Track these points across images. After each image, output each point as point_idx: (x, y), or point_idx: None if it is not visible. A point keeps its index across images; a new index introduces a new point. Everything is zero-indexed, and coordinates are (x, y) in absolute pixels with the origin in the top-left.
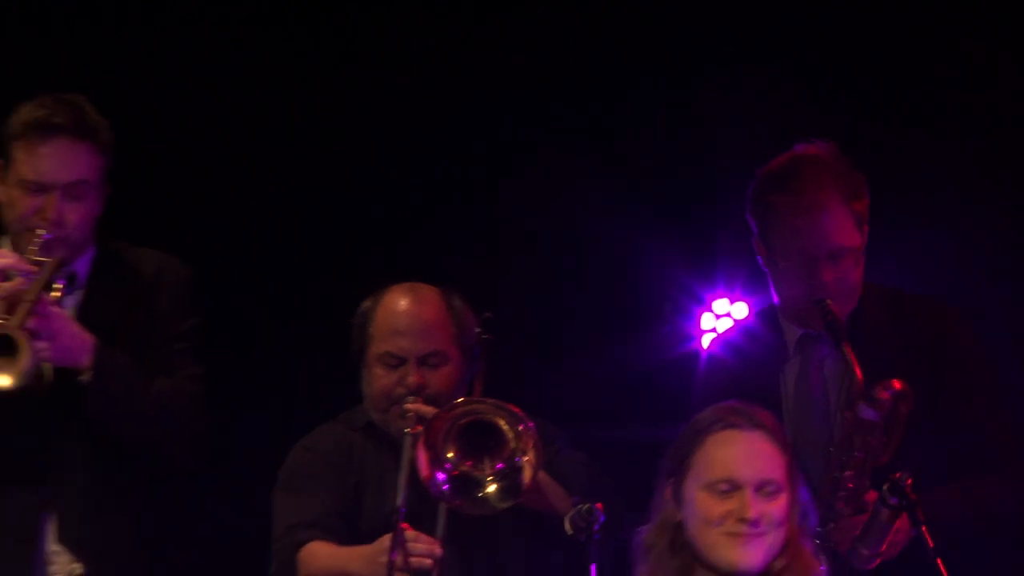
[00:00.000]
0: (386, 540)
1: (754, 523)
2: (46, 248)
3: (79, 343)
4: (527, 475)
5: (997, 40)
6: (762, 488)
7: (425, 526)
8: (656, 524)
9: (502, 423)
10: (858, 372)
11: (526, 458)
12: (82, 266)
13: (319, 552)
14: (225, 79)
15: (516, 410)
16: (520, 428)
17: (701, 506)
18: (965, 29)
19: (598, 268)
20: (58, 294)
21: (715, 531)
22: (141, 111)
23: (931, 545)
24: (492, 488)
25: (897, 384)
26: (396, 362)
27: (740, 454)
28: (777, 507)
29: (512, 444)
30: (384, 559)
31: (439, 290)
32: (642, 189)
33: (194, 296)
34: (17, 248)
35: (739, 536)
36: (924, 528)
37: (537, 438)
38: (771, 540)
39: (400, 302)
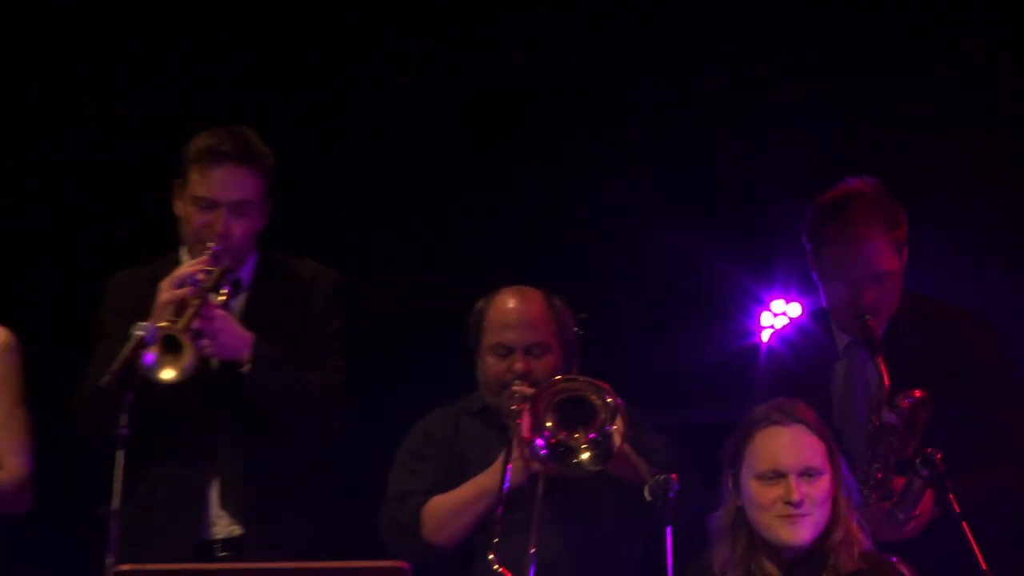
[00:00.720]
0: (500, 459)
1: (798, 505)
2: (214, 258)
3: (239, 340)
4: (616, 442)
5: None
6: (804, 474)
7: (528, 494)
8: (724, 510)
9: (593, 398)
10: (886, 381)
11: (614, 427)
12: (246, 272)
13: (440, 501)
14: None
15: (605, 386)
16: (608, 402)
17: (754, 493)
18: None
19: (671, 273)
20: (224, 297)
21: (767, 514)
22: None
23: (957, 511)
24: (585, 455)
25: (917, 393)
26: (505, 352)
27: (783, 447)
28: (819, 488)
29: (602, 416)
30: (500, 465)
31: (542, 292)
32: (711, 203)
33: (341, 300)
34: (192, 256)
35: (787, 517)
36: (951, 496)
37: (624, 410)
38: (816, 518)
39: (509, 302)
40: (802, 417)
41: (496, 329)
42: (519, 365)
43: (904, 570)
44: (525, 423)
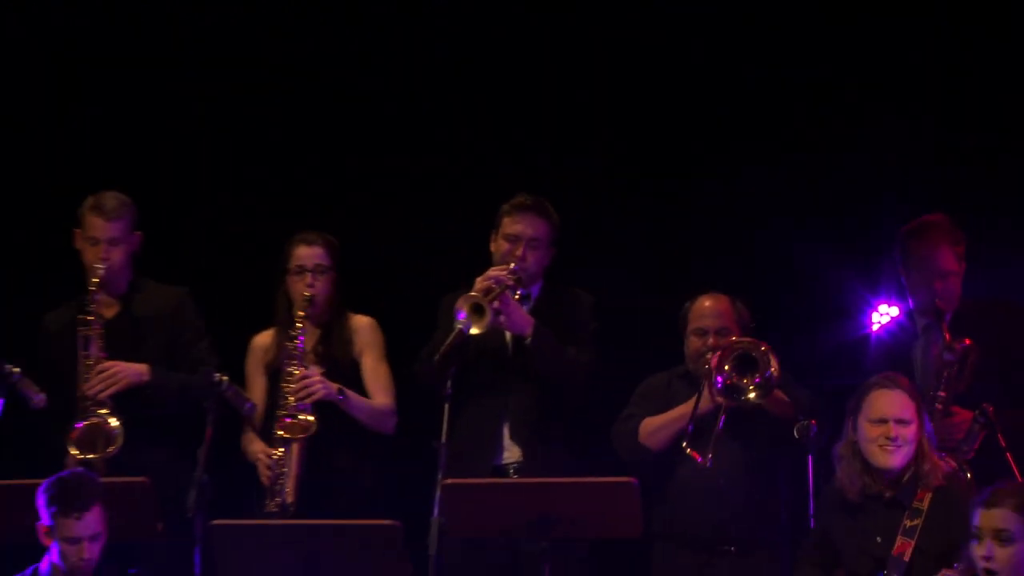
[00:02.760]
0: (695, 397)
1: (894, 440)
2: (512, 272)
3: (525, 321)
4: (774, 380)
5: None
6: (899, 421)
7: (709, 430)
8: (843, 443)
9: (756, 353)
10: (946, 334)
11: (771, 369)
12: (534, 291)
13: (652, 419)
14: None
15: (766, 346)
16: (769, 359)
17: (865, 431)
18: None
19: (810, 282)
20: (517, 297)
21: (873, 445)
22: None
23: (1003, 445)
24: (752, 394)
25: (967, 341)
26: (702, 333)
27: (887, 402)
28: (909, 431)
29: (762, 365)
30: (694, 400)
31: (728, 296)
32: (842, 235)
33: (596, 311)
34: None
35: (886, 447)
36: (999, 435)
37: (777, 360)
38: (905, 451)
39: (706, 301)
40: (901, 384)
41: (696, 318)
42: (711, 341)
43: (951, 462)
44: (713, 361)
